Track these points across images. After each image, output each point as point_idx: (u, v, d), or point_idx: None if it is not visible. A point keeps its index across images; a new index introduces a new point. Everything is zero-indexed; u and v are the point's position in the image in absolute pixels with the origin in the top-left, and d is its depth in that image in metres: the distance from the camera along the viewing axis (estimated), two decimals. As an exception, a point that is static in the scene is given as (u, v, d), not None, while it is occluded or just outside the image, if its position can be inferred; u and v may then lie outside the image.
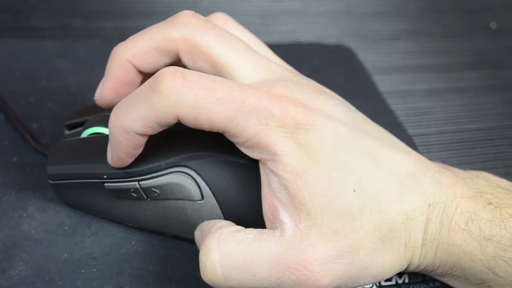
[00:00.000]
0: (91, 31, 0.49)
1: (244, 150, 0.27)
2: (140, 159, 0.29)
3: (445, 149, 0.43)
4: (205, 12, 0.53)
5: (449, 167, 0.30)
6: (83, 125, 0.33)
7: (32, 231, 0.31)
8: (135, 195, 0.30)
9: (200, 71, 0.28)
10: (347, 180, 0.26)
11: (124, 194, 0.30)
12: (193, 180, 0.29)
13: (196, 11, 0.54)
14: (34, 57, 0.43)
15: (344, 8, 0.58)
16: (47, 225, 0.32)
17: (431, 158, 0.30)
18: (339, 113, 0.28)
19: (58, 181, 0.32)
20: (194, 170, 0.29)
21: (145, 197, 0.30)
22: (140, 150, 0.28)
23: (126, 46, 0.29)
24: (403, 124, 0.44)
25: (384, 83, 0.48)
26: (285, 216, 0.27)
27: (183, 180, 0.29)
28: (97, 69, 0.43)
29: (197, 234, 0.30)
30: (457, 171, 0.30)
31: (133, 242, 0.32)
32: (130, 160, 0.29)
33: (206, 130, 0.27)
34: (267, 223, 0.28)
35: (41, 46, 0.45)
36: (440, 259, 0.28)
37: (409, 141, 0.40)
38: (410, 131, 0.43)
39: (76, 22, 0.49)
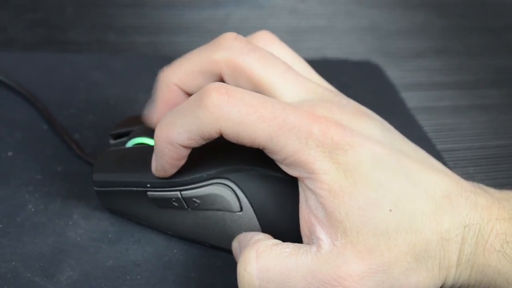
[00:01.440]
0: (125, 45, 0.50)
1: (283, 167, 0.28)
2: (182, 170, 0.30)
3: (472, 165, 0.44)
4: (234, 28, 0.55)
5: (485, 188, 0.30)
6: (128, 135, 0.34)
7: (78, 238, 0.32)
8: (176, 204, 0.31)
9: None
10: (383, 200, 0.27)
11: (165, 203, 0.31)
12: (233, 192, 0.30)
13: (226, 27, 0.56)
14: (72, 70, 0.44)
15: (370, 26, 0.59)
16: (92, 232, 0.33)
17: (458, 174, 0.31)
18: (377, 133, 0.29)
19: (103, 188, 0.33)
20: (234, 183, 0.30)
21: (186, 207, 0.31)
22: (183, 162, 0.29)
23: (172, 70, 0.31)
24: (431, 140, 0.45)
25: (410, 100, 0.49)
26: (321, 233, 0.27)
27: (223, 191, 0.30)
28: (133, 82, 0.44)
29: (235, 245, 0.31)
30: (493, 191, 0.30)
31: (175, 251, 0.33)
32: (173, 170, 0.30)
33: (247, 145, 0.28)
34: (304, 238, 0.29)
35: (79, 59, 0.46)
36: (475, 279, 0.29)
37: (438, 157, 0.40)
38: (438, 147, 0.44)
39: (111, 36, 0.51)
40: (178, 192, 0.31)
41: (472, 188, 0.29)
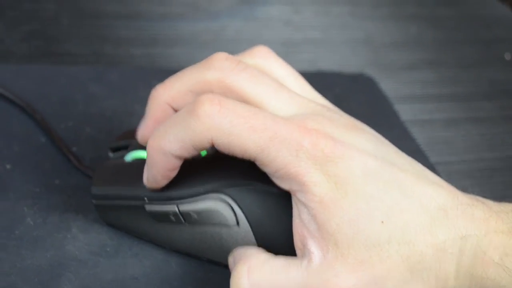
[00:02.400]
0: (121, 58, 0.50)
1: (275, 180, 0.28)
2: (180, 184, 0.30)
3: (466, 177, 0.44)
4: (229, 40, 0.55)
5: (483, 200, 0.30)
6: (127, 148, 0.34)
7: (77, 252, 0.32)
8: (173, 218, 0.31)
9: None
10: (375, 211, 0.27)
11: (163, 217, 0.31)
12: (230, 207, 0.30)
13: (221, 39, 0.56)
14: (69, 82, 0.45)
15: (363, 38, 0.60)
16: (90, 246, 0.33)
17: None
18: (369, 146, 0.29)
19: (101, 201, 0.33)
20: (231, 197, 0.30)
21: (183, 221, 0.31)
22: (175, 173, 0.30)
23: (164, 89, 0.31)
24: (425, 153, 0.45)
25: (403, 112, 0.50)
26: (313, 246, 0.28)
27: (220, 206, 0.30)
28: (130, 94, 0.45)
29: (230, 260, 0.31)
30: (491, 204, 0.30)
31: (173, 264, 0.33)
32: (165, 181, 0.30)
33: (238, 156, 0.28)
34: (297, 252, 0.29)
35: (76, 71, 0.46)
36: None
37: (432, 170, 0.41)
38: (431, 160, 0.45)
39: (107, 48, 0.51)
40: (175, 205, 0.31)
41: (469, 201, 0.29)
